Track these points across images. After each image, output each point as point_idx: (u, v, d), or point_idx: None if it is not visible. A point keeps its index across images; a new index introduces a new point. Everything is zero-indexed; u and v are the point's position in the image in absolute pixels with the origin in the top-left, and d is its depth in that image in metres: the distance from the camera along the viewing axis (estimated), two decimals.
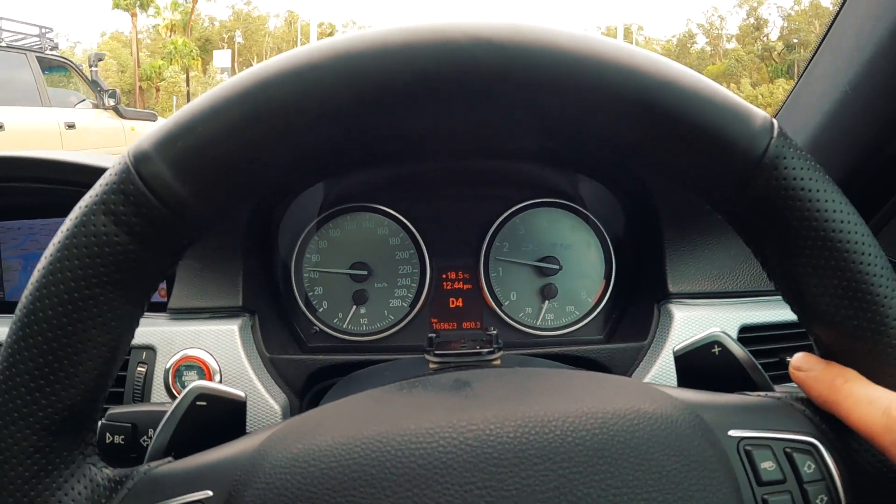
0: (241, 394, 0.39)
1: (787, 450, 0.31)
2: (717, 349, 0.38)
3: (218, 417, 0.37)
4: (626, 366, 0.72)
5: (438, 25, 0.28)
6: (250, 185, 0.30)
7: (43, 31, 6.67)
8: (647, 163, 0.32)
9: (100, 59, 7.05)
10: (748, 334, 0.71)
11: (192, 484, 0.31)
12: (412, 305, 0.82)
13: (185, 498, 0.30)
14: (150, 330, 0.71)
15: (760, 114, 0.30)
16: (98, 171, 0.77)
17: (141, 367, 0.70)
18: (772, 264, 0.33)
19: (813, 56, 0.77)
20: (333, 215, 0.82)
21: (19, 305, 0.29)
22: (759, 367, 0.39)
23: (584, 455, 0.28)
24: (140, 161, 0.28)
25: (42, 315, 0.28)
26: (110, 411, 0.50)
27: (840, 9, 0.72)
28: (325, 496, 0.27)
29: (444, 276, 0.83)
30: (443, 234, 0.82)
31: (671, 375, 0.68)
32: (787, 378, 0.73)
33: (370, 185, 0.82)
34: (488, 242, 0.82)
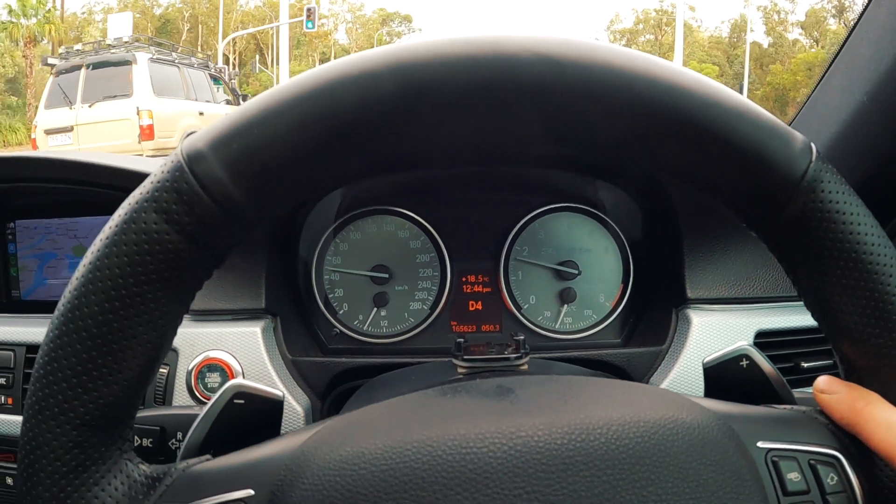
0: (279, 393, 0.39)
1: (812, 462, 0.32)
2: (745, 362, 0.40)
3: (254, 416, 0.38)
4: (644, 370, 0.73)
5: (500, 38, 0.29)
6: (301, 187, 0.31)
7: (207, 56, 11.35)
8: (686, 179, 0.33)
9: (237, 75, 11.79)
10: (765, 339, 0.72)
11: (232, 482, 0.31)
12: (432, 308, 0.82)
13: (227, 496, 0.30)
14: None
15: (800, 136, 0.31)
16: (113, 171, 0.76)
17: (163, 368, 0.70)
18: (803, 282, 0.34)
19: (830, 66, 0.78)
20: (354, 218, 0.83)
21: (63, 300, 0.29)
22: (785, 381, 0.40)
23: (627, 462, 0.29)
24: (194, 160, 0.28)
25: (87, 311, 0.28)
26: (137, 414, 0.50)
27: (858, 19, 0.72)
28: (376, 499, 0.28)
29: (463, 279, 0.84)
30: (463, 237, 0.83)
31: (689, 380, 0.69)
32: (802, 383, 0.74)
33: (391, 189, 0.82)
34: (508, 246, 0.82)
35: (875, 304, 0.31)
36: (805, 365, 0.73)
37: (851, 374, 0.34)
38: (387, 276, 0.82)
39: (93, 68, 8.27)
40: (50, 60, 8.98)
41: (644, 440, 0.30)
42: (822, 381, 0.35)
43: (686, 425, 0.31)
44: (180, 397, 0.70)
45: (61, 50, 9.36)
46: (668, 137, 0.30)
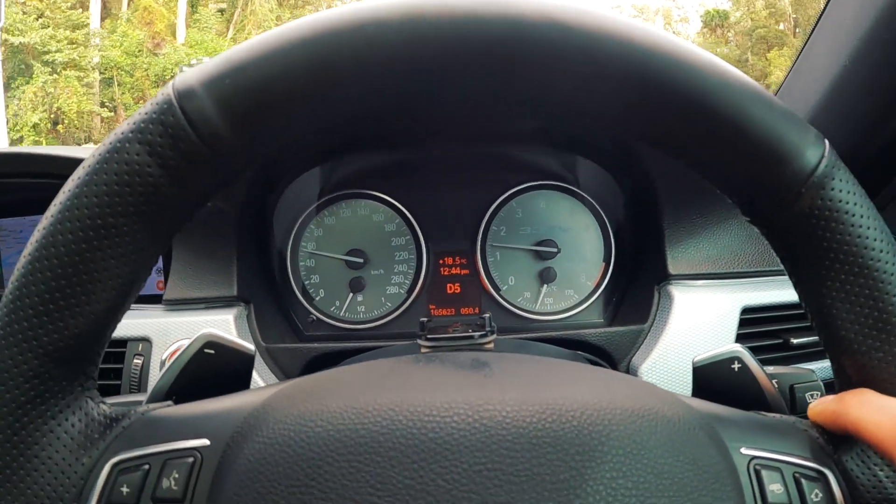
0: (251, 347, 0.38)
1: (797, 475, 0.30)
2: (737, 365, 0.38)
3: (224, 368, 0.37)
4: (627, 349, 0.71)
5: (520, 2, 0.28)
6: (288, 131, 0.30)
7: None
8: (690, 164, 0.31)
9: None
10: (750, 315, 0.70)
11: (189, 430, 0.30)
12: (409, 292, 0.81)
13: (181, 444, 0.30)
14: (146, 322, 0.71)
15: (814, 130, 0.30)
16: None
17: (137, 358, 0.70)
18: (803, 285, 0.32)
19: (813, 30, 0.75)
20: (328, 203, 0.82)
21: (39, 226, 0.28)
22: (777, 389, 0.38)
23: (598, 451, 0.27)
24: (184, 95, 0.28)
25: (61, 238, 0.28)
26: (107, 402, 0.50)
27: None
28: (329, 458, 0.27)
29: (441, 261, 0.83)
30: (439, 219, 0.82)
31: (671, 359, 0.67)
32: (789, 359, 0.72)
33: (365, 172, 0.81)
34: (485, 227, 0.81)
35: (878, 315, 0.30)
36: (795, 341, 0.71)
37: (847, 386, 0.33)
38: (362, 260, 0.81)
39: None
40: (183, 68, 12.80)
41: (619, 429, 0.28)
42: (818, 399, 0.34)
43: (666, 419, 0.29)
44: None
45: (192, 61, 12.99)
46: (678, 118, 0.29)
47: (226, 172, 0.30)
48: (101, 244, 0.28)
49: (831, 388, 0.41)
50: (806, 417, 0.34)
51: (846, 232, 0.30)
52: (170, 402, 0.34)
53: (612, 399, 0.29)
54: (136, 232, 0.29)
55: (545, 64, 0.28)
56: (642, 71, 0.28)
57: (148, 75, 17.43)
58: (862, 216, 0.30)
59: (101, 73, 17.03)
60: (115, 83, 17.19)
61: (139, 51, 17.75)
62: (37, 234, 0.28)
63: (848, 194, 0.29)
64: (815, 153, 0.29)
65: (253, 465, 0.27)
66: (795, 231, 0.31)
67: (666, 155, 0.31)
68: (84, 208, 0.28)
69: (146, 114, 0.28)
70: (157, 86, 16.86)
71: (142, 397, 0.54)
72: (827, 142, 0.30)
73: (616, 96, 0.29)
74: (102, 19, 18.36)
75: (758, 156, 0.29)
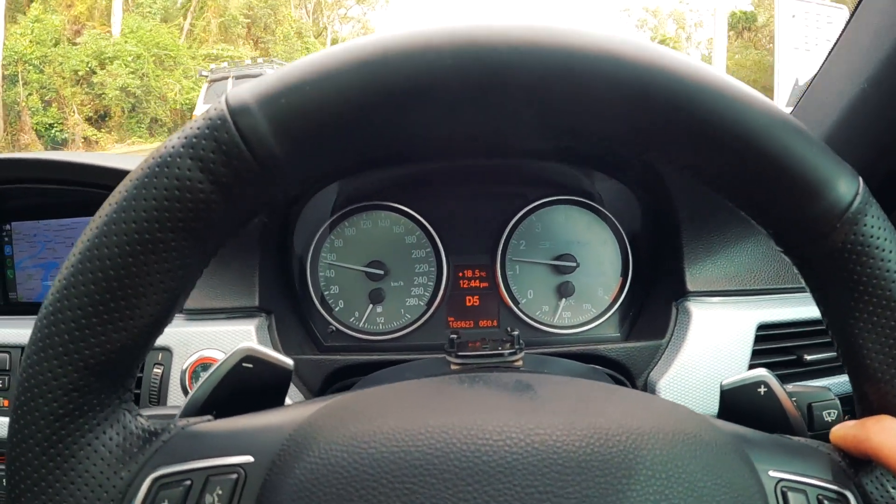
0: (290, 362, 0.38)
1: (820, 497, 0.31)
2: (763, 389, 0.39)
3: (261, 383, 0.37)
4: (644, 365, 0.72)
5: (568, 30, 0.28)
6: (340, 153, 0.30)
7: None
8: (729, 196, 0.32)
9: None
10: (767, 332, 0.71)
11: (232, 446, 0.30)
12: (429, 304, 0.81)
13: (225, 460, 0.30)
14: (166, 331, 0.69)
15: (848, 166, 0.30)
16: (107, 171, 0.76)
17: (157, 368, 0.70)
18: (832, 314, 0.33)
19: (830, 52, 0.76)
20: (349, 214, 0.82)
21: (82, 237, 0.28)
22: (801, 413, 0.40)
23: (644, 474, 0.28)
24: (238, 112, 0.28)
25: (107, 251, 0.27)
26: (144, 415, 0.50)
27: (858, 4, 0.71)
28: (384, 479, 0.27)
29: (460, 274, 0.83)
30: (459, 232, 0.82)
31: (689, 375, 0.68)
32: (802, 375, 0.73)
33: (386, 184, 0.82)
34: (504, 240, 0.82)
35: None
36: (808, 358, 0.72)
37: (869, 414, 0.34)
38: (382, 272, 0.81)
39: (236, 79, 11.63)
40: (203, 73, 12.70)
41: (662, 453, 0.29)
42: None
43: (704, 443, 0.30)
44: (174, 397, 0.70)
45: (211, 66, 12.63)
46: (718, 151, 0.29)
47: (276, 190, 0.30)
48: (147, 258, 0.28)
49: (845, 403, 0.42)
50: (827, 439, 0.35)
51: (877, 266, 0.30)
52: (210, 417, 0.34)
53: (655, 423, 0.30)
54: (184, 248, 0.28)
55: (594, 95, 0.28)
56: (681, 103, 0.28)
57: (62, 70, 14.00)
58: (892, 251, 0.31)
59: (3, 67, 13.41)
60: (21, 81, 13.61)
61: (56, 41, 14.30)
62: (80, 245, 0.28)
63: (879, 230, 0.30)
64: (850, 189, 0.30)
65: (304, 484, 0.28)
66: (827, 264, 0.31)
67: (702, 186, 0.32)
68: (132, 222, 0.27)
69: (198, 128, 0.28)
70: (78, 84, 14.06)
71: (176, 410, 0.54)
72: (860, 178, 0.30)
73: (652, 126, 0.29)
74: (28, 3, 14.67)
75: (794, 190, 0.30)
